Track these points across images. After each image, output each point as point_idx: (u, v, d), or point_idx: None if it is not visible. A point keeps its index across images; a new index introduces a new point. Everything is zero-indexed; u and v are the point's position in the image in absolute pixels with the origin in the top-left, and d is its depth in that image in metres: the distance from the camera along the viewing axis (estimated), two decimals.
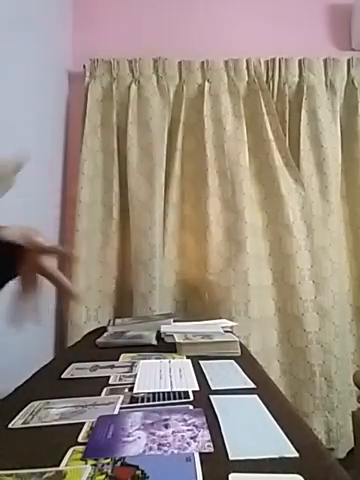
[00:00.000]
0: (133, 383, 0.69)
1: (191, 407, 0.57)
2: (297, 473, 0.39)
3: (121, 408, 0.58)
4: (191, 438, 0.46)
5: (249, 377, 0.71)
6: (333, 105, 1.84)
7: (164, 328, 1.11)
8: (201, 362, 0.82)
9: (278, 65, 1.84)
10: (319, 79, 1.84)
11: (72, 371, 0.79)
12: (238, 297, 1.63)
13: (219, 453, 0.43)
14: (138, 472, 0.39)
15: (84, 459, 0.43)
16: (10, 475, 0.40)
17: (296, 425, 0.52)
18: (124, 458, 0.42)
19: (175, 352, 0.92)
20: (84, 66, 1.82)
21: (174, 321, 1.24)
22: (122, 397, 0.62)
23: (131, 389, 0.66)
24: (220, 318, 1.42)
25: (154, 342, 1.03)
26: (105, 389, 0.67)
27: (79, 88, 1.84)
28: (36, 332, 1.47)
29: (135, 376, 0.73)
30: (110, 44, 1.91)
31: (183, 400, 0.60)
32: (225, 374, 0.74)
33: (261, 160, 1.80)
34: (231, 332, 1.13)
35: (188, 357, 0.87)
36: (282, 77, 1.84)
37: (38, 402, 0.61)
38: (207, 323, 1.22)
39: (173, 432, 0.48)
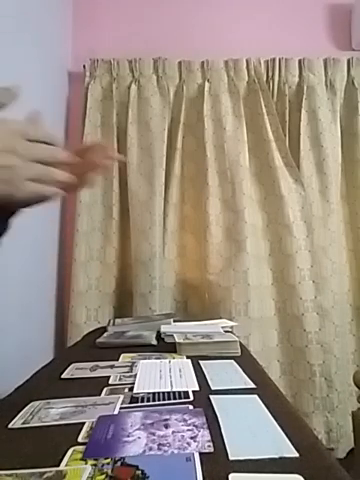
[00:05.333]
0: (133, 383, 0.69)
1: (191, 407, 0.57)
2: (297, 473, 0.39)
3: (121, 408, 0.58)
4: (191, 438, 0.46)
5: (249, 377, 0.71)
6: (333, 105, 1.84)
7: (164, 328, 1.11)
8: (201, 362, 0.82)
9: (278, 65, 1.84)
10: (319, 79, 1.84)
11: (72, 371, 0.79)
12: (238, 297, 1.63)
13: (219, 453, 0.43)
14: (138, 472, 0.39)
15: (84, 459, 0.43)
16: (10, 475, 0.40)
17: (296, 425, 0.52)
18: (124, 458, 0.42)
19: (175, 352, 0.92)
20: (84, 66, 1.82)
21: (174, 321, 1.24)
22: (122, 397, 0.62)
23: (131, 389, 0.66)
24: (220, 318, 1.42)
25: (154, 342, 1.03)
26: (105, 389, 0.67)
27: (79, 88, 1.84)
28: (36, 332, 1.48)
29: (135, 376, 0.73)
30: (110, 44, 1.90)
31: (183, 400, 0.60)
32: (225, 374, 0.74)
33: (261, 160, 1.79)
34: (231, 332, 1.13)
35: (188, 357, 0.87)
36: (282, 77, 1.84)
37: (38, 402, 0.61)
38: (207, 323, 1.23)
39: (173, 432, 0.48)
